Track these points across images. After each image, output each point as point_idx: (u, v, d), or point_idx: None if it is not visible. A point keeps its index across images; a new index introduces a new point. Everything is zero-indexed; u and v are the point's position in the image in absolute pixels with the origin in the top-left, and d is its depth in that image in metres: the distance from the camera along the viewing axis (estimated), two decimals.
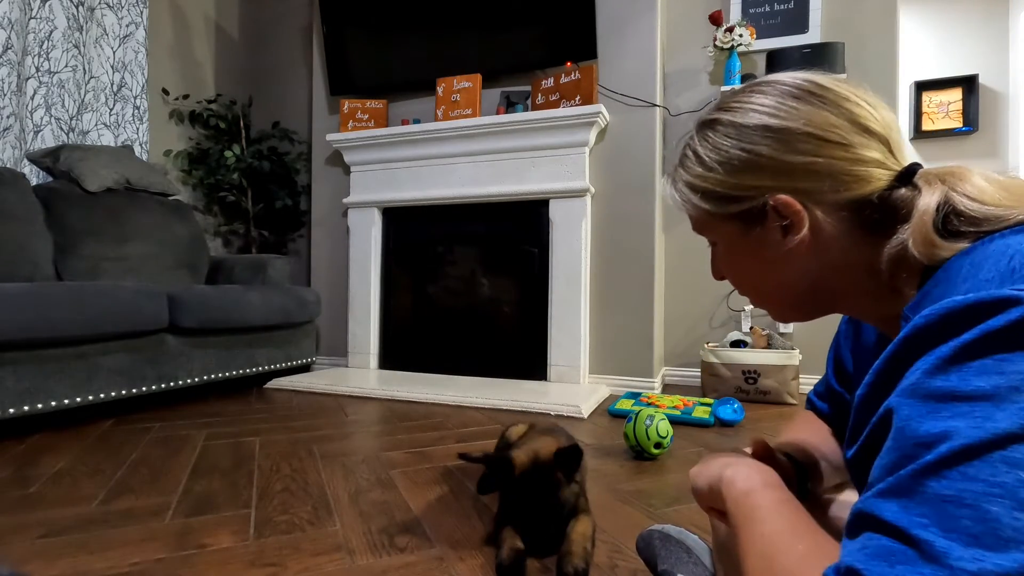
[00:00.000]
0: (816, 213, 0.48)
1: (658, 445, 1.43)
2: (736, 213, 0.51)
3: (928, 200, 0.44)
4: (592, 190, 2.52)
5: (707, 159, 0.52)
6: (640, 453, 1.45)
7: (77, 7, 2.52)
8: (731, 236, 0.54)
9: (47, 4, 2.39)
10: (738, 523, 0.46)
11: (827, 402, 0.71)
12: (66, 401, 1.69)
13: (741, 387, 2.25)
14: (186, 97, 3.15)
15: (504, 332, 2.72)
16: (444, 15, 2.73)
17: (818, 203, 0.47)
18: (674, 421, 1.81)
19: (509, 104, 2.67)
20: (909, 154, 0.50)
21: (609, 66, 2.54)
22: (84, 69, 2.57)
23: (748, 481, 0.49)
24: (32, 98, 2.37)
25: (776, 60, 2.38)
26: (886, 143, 0.47)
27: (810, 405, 0.74)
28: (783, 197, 0.48)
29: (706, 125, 0.53)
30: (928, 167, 0.47)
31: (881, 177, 0.47)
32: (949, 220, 0.43)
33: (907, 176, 0.47)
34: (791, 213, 0.48)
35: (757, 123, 0.49)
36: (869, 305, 0.51)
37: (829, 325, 2.52)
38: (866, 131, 0.47)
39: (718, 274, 0.60)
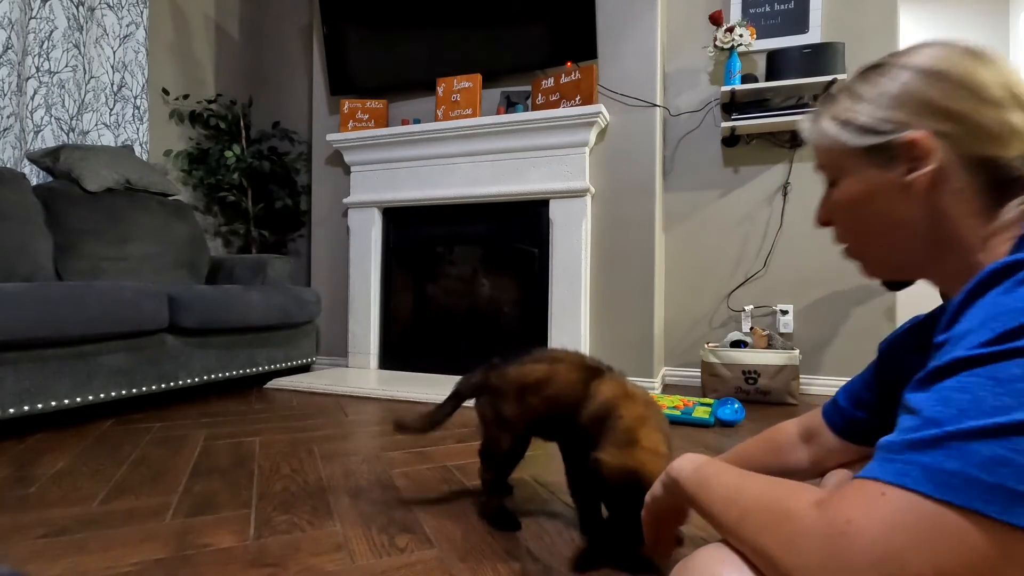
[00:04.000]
0: (947, 158, 0.49)
1: None
2: (872, 146, 0.53)
3: None
4: (592, 190, 2.52)
5: (863, 93, 0.54)
6: None
7: (77, 7, 2.52)
8: (857, 170, 0.55)
9: (47, 4, 2.39)
10: (709, 494, 0.51)
11: (839, 418, 0.75)
12: (66, 401, 1.69)
13: (741, 387, 2.25)
14: (186, 97, 3.15)
15: (504, 332, 2.72)
16: (444, 15, 2.73)
17: (952, 149, 0.49)
18: (674, 421, 1.81)
19: (509, 104, 2.67)
20: None
21: (609, 66, 2.54)
22: (84, 69, 2.57)
23: (691, 460, 0.57)
24: (32, 98, 2.37)
25: (776, 60, 2.39)
26: None
27: (829, 409, 0.78)
28: (921, 134, 0.50)
29: (871, 67, 0.56)
30: None
31: (1018, 147, 0.48)
32: None
33: None
34: (924, 150, 0.50)
35: (922, 64, 0.51)
36: (960, 266, 0.52)
37: (830, 325, 2.50)
38: (1017, 100, 0.49)
39: (825, 217, 0.61)
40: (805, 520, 0.40)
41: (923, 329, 0.66)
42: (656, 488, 0.63)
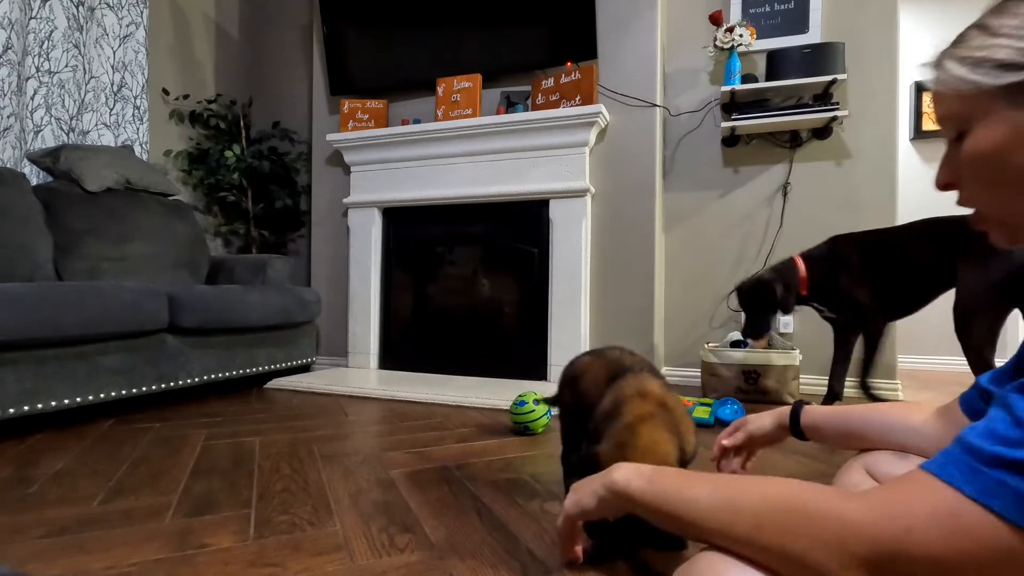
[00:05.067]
0: None
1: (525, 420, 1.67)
2: (1016, 83, 0.46)
3: None
4: (592, 190, 2.52)
5: (1000, 26, 0.47)
6: (524, 429, 1.69)
7: (77, 7, 2.52)
8: (996, 115, 0.48)
9: (47, 4, 2.39)
10: (693, 505, 0.49)
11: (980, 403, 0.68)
12: (66, 401, 1.69)
13: (741, 387, 2.25)
14: (186, 97, 3.15)
15: (504, 332, 2.72)
16: (444, 15, 2.73)
17: None
18: None
19: (509, 104, 2.68)
20: None
21: (609, 66, 2.54)
22: (84, 69, 2.57)
23: (637, 472, 0.57)
24: (32, 98, 2.37)
25: (776, 60, 2.39)
26: None
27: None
28: None
29: (1004, 2, 0.49)
30: None
31: None
32: None
33: None
34: None
35: None
36: None
37: (827, 325, 2.51)
38: None
39: (949, 177, 0.53)
40: (842, 515, 0.38)
41: None
42: (587, 500, 0.61)
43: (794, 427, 0.81)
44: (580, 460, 0.83)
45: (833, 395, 2.03)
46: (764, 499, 0.44)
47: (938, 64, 0.51)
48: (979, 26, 0.49)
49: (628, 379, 0.94)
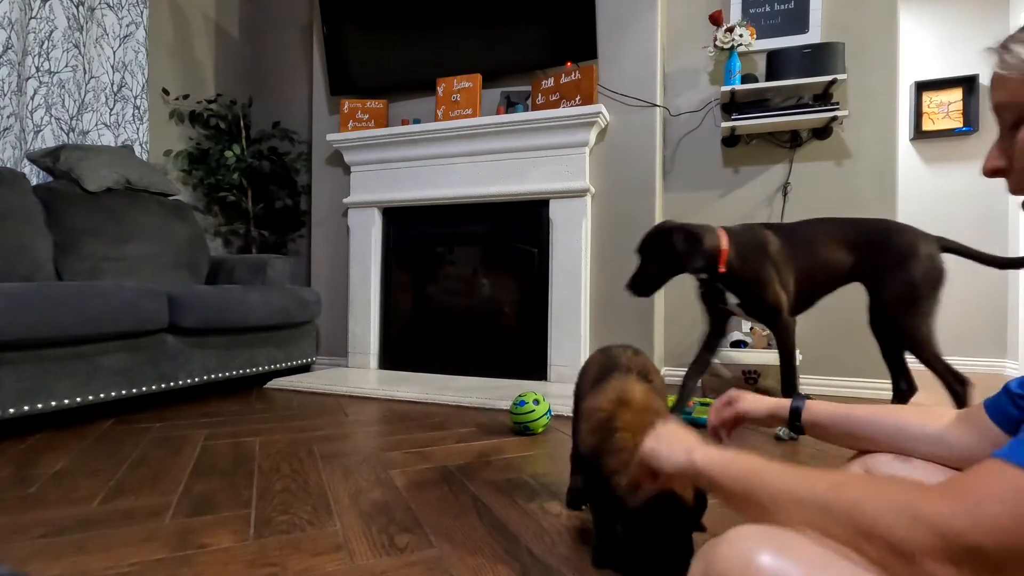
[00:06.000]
0: None
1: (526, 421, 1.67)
2: None
3: None
4: (592, 190, 2.52)
5: None
6: (524, 429, 1.70)
7: (77, 7, 2.52)
8: None
9: (47, 4, 2.39)
10: (770, 482, 0.50)
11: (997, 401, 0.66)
12: (66, 401, 1.69)
13: (741, 387, 2.24)
14: (186, 97, 3.15)
15: (504, 332, 2.72)
16: (444, 15, 2.73)
17: None
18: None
19: (509, 104, 2.68)
20: None
21: (609, 66, 2.54)
22: (84, 69, 2.57)
23: (719, 453, 0.56)
24: (32, 98, 2.37)
25: (776, 60, 2.39)
26: None
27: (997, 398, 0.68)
28: None
29: None
30: None
31: None
32: None
33: None
34: None
35: None
36: None
37: (830, 325, 2.50)
38: None
39: (1000, 162, 0.52)
40: (934, 503, 0.39)
41: None
42: (667, 462, 0.62)
43: (792, 422, 0.79)
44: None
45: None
46: (861, 484, 0.45)
47: (1005, 47, 0.49)
48: None
49: (611, 381, 0.91)
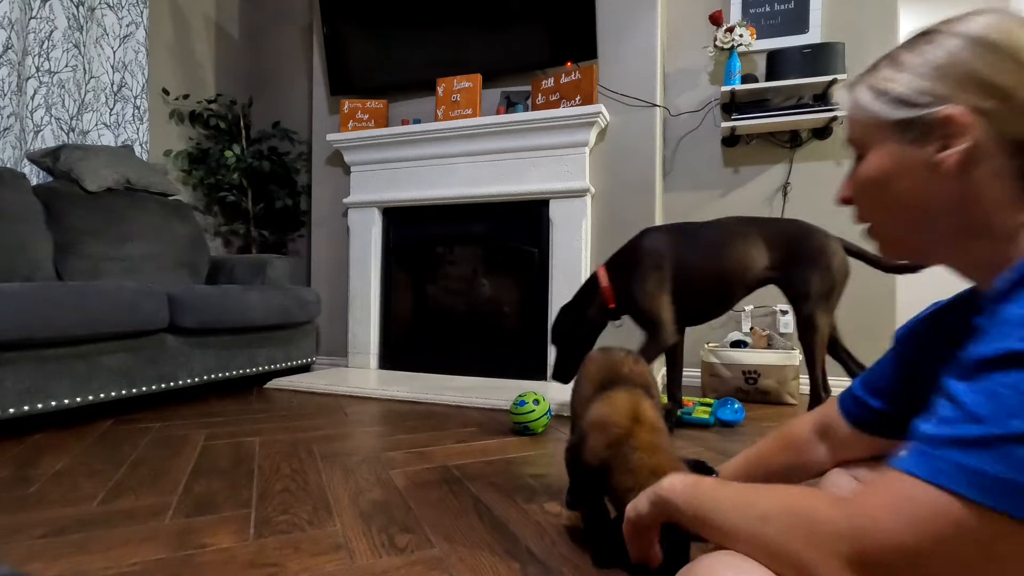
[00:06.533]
0: (985, 137, 0.46)
1: (525, 420, 1.67)
2: (905, 119, 0.50)
3: None
4: (592, 190, 2.52)
5: (905, 61, 0.51)
6: (524, 429, 1.69)
7: (77, 7, 2.52)
8: (887, 145, 0.52)
9: (47, 4, 2.39)
10: (717, 506, 0.52)
11: (856, 407, 0.73)
12: (66, 401, 1.69)
13: (741, 387, 2.25)
14: (186, 97, 3.15)
15: (504, 332, 2.72)
16: (444, 15, 2.73)
17: (992, 128, 0.46)
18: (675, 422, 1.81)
19: (509, 104, 2.68)
20: None
21: (609, 66, 2.54)
22: (84, 69, 2.57)
23: (681, 480, 0.59)
24: (32, 98, 2.37)
25: (776, 60, 2.39)
26: None
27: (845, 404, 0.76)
28: (958, 110, 0.46)
29: (920, 34, 0.52)
30: None
31: None
32: None
33: None
34: (959, 127, 0.46)
35: (972, 32, 0.47)
36: (987, 255, 0.49)
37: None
38: None
39: (847, 194, 0.58)
40: (829, 518, 0.41)
41: (947, 315, 0.64)
42: (641, 504, 0.64)
43: None
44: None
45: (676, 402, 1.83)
46: (773, 501, 0.47)
47: (852, 88, 0.55)
48: (890, 57, 0.53)
49: (622, 394, 0.91)
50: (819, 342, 1.59)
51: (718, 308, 1.67)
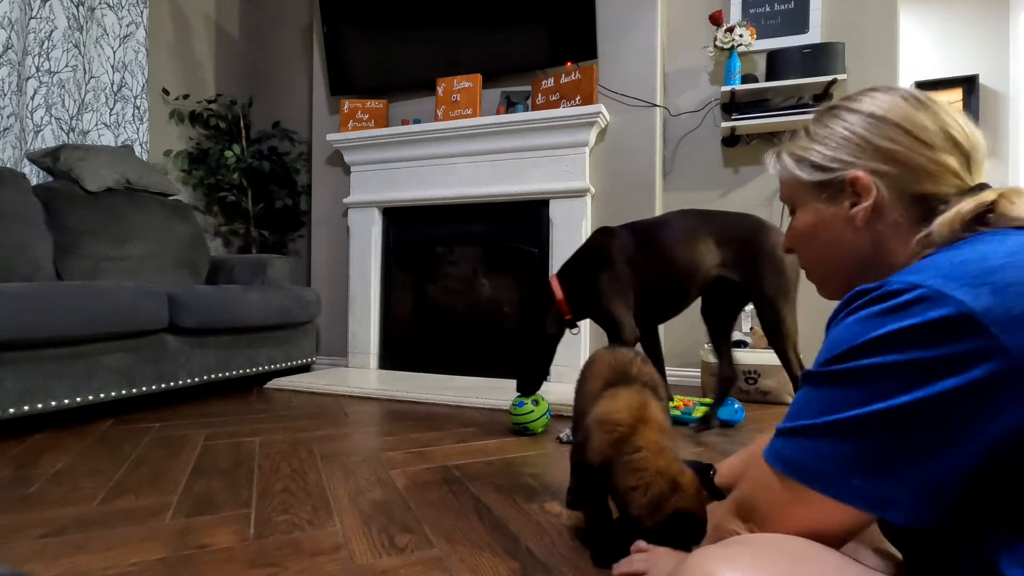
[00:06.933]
0: (884, 194, 0.56)
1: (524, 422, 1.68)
2: (822, 182, 0.60)
3: (972, 198, 0.51)
4: (592, 190, 2.52)
5: (816, 134, 0.61)
6: (524, 429, 1.70)
7: (77, 7, 2.52)
8: (811, 203, 0.62)
9: (47, 4, 2.39)
10: None
11: None
12: (66, 401, 1.69)
13: (741, 387, 2.24)
14: (186, 97, 3.15)
15: (504, 332, 2.72)
16: (444, 15, 2.73)
17: (890, 186, 0.56)
18: (675, 421, 1.81)
19: (509, 104, 2.67)
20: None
21: (609, 66, 2.53)
22: (84, 69, 2.57)
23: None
24: (32, 98, 2.37)
25: (776, 60, 2.39)
26: (967, 158, 0.55)
27: None
28: (861, 174, 0.56)
29: (826, 110, 0.62)
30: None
31: (951, 184, 0.54)
32: (984, 216, 0.50)
33: (975, 191, 0.53)
34: (863, 188, 0.56)
35: (864, 109, 0.58)
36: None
37: (825, 325, 2.53)
38: (952, 142, 0.54)
39: (788, 244, 0.68)
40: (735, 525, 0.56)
41: None
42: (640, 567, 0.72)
43: (712, 491, 0.84)
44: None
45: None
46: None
47: (779, 154, 0.66)
48: (806, 129, 0.63)
49: (628, 393, 0.90)
50: (789, 341, 1.59)
51: (674, 306, 1.67)
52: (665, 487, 0.77)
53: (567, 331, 1.74)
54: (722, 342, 1.73)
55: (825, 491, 0.46)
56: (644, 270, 1.61)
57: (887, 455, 0.44)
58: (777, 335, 1.59)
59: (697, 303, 1.78)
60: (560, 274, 1.70)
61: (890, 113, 0.56)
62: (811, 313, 2.48)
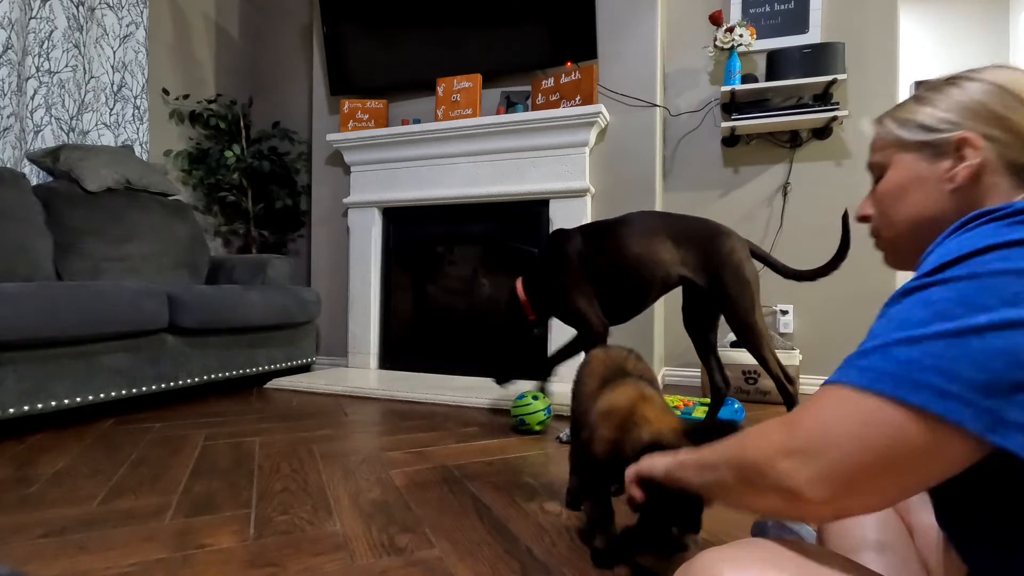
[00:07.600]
0: (990, 158, 0.56)
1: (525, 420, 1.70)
2: (925, 141, 0.60)
3: None
4: (592, 190, 2.52)
5: (929, 98, 0.61)
6: (520, 423, 1.72)
7: (77, 7, 2.51)
8: (905, 162, 0.62)
9: (47, 4, 2.39)
10: (685, 472, 0.61)
11: None
12: (66, 401, 1.69)
13: (741, 387, 2.25)
14: (186, 97, 3.15)
15: None
16: (444, 15, 2.73)
17: (996, 152, 0.56)
18: None
19: (509, 104, 2.67)
20: None
21: (609, 66, 2.53)
22: (84, 69, 2.57)
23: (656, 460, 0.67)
24: (32, 98, 2.37)
25: (776, 60, 2.39)
26: None
27: None
28: (974, 135, 0.56)
29: (942, 80, 0.62)
30: None
31: None
32: None
33: None
34: (973, 146, 0.56)
35: (989, 78, 0.58)
36: None
37: (830, 325, 2.50)
38: None
39: (866, 210, 0.67)
40: (773, 427, 0.49)
41: None
42: (644, 467, 0.69)
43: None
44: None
45: None
46: (715, 463, 0.55)
47: (880, 120, 0.66)
48: (916, 97, 0.64)
49: (625, 384, 0.91)
50: (763, 341, 1.59)
51: (634, 306, 1.67)
52: (671, 436, 0.77)
53: (534, 331, 1.82)
54: (707, 352, 1.73)
55: (946, 411, 0.39)
56: (599, 267, 1.63)
57: (1004, 367, 0.38)
58: (750, 338, 1.59)
59: (679, 315, 1.78)
60: (524, 279, 1.76)
61: (1013, 85, 0.57)
62: (812, 313, 2.48)
